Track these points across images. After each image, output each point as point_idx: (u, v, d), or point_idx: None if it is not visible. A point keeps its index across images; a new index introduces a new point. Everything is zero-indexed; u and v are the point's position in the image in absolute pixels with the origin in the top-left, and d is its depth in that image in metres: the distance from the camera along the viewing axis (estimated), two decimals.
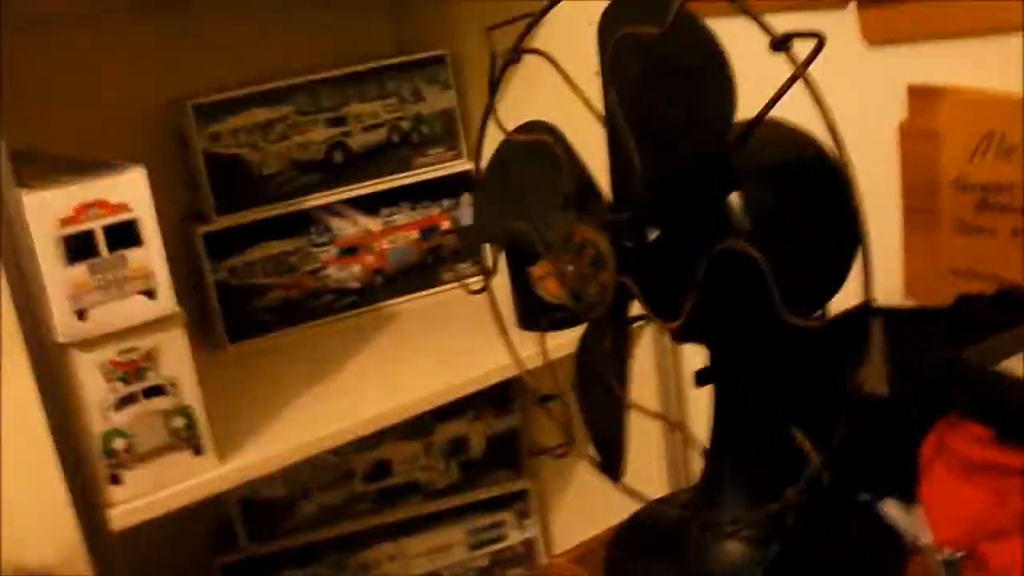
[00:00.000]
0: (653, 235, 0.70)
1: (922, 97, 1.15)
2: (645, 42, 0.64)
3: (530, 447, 0.77)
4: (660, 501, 0.87)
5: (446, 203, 1.62)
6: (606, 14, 0.68)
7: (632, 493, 0.81)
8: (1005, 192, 1.09)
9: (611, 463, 0.82)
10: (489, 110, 0.82)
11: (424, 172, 1.61)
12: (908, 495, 0.84)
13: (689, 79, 0.65)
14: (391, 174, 1.59)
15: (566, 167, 0.75)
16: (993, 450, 0.71)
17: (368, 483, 1.61)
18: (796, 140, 0.76)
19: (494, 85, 0.81)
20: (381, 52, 1.64)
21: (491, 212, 0.88)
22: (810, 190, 0.73)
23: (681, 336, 0.74)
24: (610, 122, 0.68)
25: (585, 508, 1.68)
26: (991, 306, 1.05)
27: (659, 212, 0.69)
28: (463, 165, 1.62)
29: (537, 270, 1.41)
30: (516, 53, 0.80)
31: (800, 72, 0.61)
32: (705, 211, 0.69)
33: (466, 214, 1.63)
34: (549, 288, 1.40)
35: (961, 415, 0.75)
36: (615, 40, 0.65)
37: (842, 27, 1.20)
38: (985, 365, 0.75)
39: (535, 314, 1.40)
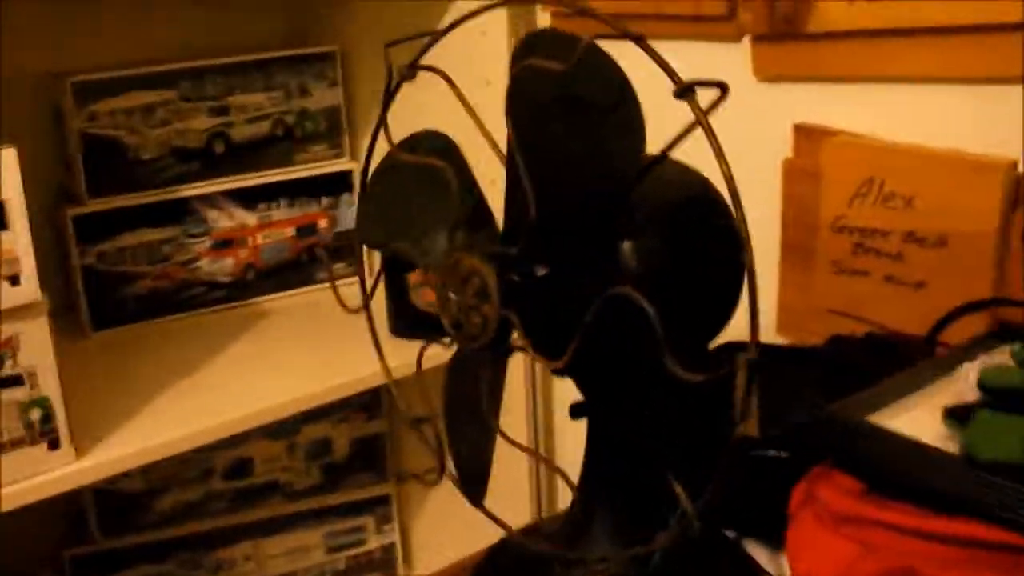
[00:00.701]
0: (541, 271, 0.69)
1: (807, 137, 1.17)
2: (552, 76, 0.63)
3: (399, 471, 0.75)
4: (526, 531, 0.86)
5: (325, 201, 1.60)
6: (520, 46, 0.66)
7: (494, 519, 0.81)
8: (881, 238, 1.11)
9: (474, 488, 0.81)
10: (380, 124, 0.81)
11: (305, 169, 1.58)
12: (775, 537, 0.85)
13: (594, 116, 0.65)
14: (272, 168, 1.56)
15: (456, 192, 0.74)
16: (861, 502, 0.72)
17: (228, 481, 1.59)
18: (689, 183, 0.76)
19: (388, 101, 0.80)
20: (270, 43, 1.61)
21: (374, 223, 0.86)
22: (700, 237, 0.74)
23: (561, 372, 0.73)
24: (509, 154, 0.67)
25: (446, 517, 1.67)
26: (861, 349, 1.07)
27: (552, 249, 0.68)
28: (345, 164, 1.60)
29: (414, 277, 1.40)
30: (412, 70, 0.79)
31: (701, 119, 0.61)
32: (597, 251, 0.69)
33: (345, 214, 1.60)
34: (426, 296, 1.39)
35: (832, 464, 0.76)
36: (519, 71, 0.64)
37: (734, 61, 1.21)
38: (857, 417, 0.76)
39: (410, 322, 1.39)
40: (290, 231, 1.58)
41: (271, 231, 1.56)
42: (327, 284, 1.61)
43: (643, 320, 0.62)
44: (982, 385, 0.72)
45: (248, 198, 1.54)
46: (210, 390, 1.30)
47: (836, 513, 0.73)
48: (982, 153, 1.05)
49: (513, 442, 0.75)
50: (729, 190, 0.60)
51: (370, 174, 0.84)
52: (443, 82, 0.79)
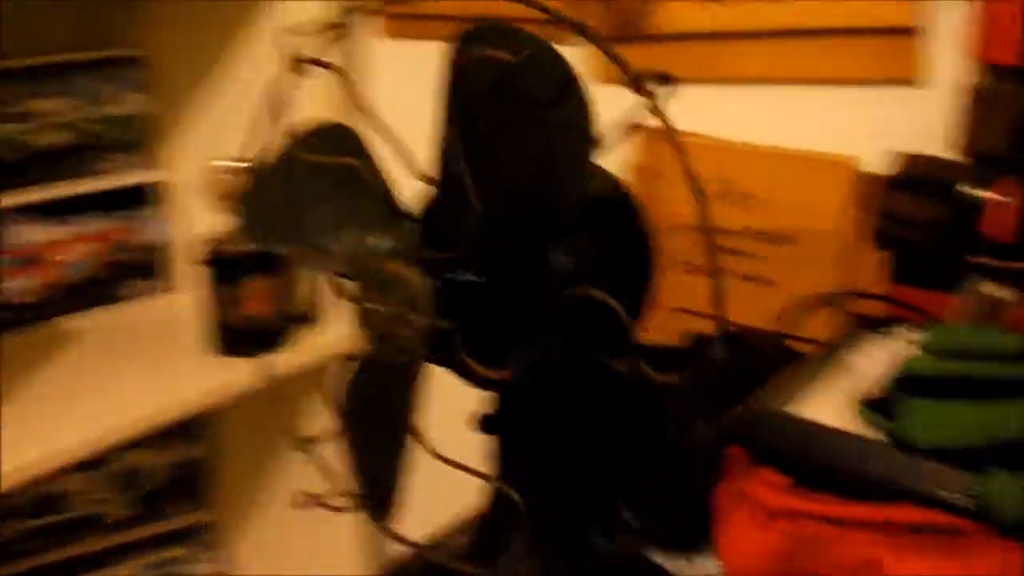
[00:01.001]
0: (470, 276, 0.66)
1: (653, 138, 1.17)
2: (491, 69, 0.60)
3: (302, 496, 0.69)
4: (430, 549, 0.82)
5: (131, 214, 1.51)
6: (462, 37, 0.63)
7: (404, 540, 0.77)
8: (735, 237, 1.13)
9: (382, 508, 0.77)
10: (272, 116, 0.76)
11: (109, 180, 1.49)
12: (683, 541, 0.85)
13: (538, 112, 0.62)
14: (73, 179, 1.46)
15: (373, 190, 0.69)
16: (792, 496, 0.72)
17: (36, 518, 1.48)
18: (604, 180, 0.74)
19: (283, 94, 0.75)
20: (69, 46, 1.51)
21: (257, 223, 0.80)
22: (622, 236, 0.72)
23: (493, 384, 0.69)
24: (445, 157, 0.63)
25: (271, 540, 1.61)
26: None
27: (487, 252, 0.64)
28: (151, 175, 1.52)
29: (237, 291, 1.33)
30: (307, 64, 0.74)
31: (655, 108, 0.60)
32: (533, 253, 0.66)
33: (151, 227, 1.52)
34: (250, 309, 1.33)
35: (750, 459, 0.76)
36: (459, 68, 0.61)
37: (578, 61, 1.20)
38: (781, 411, 0.76)
39: (235, 338, 1.32)
40: (94, 246, 1.48)
41: (74, 246, 1.46)
42: (134, 301, 1.52)
43: (593, 323, 0.60)
44: (909, 375, 0.73)
45: (48, 212, 1.44)
46: (23, 424, 1.19)
47: (767, 508, 0.73)
48: (827, 152, 1.07)
49: (441, 457, 0.71)
50: (692, 190, 0.59)
51: (254, 169, 0.79)
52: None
